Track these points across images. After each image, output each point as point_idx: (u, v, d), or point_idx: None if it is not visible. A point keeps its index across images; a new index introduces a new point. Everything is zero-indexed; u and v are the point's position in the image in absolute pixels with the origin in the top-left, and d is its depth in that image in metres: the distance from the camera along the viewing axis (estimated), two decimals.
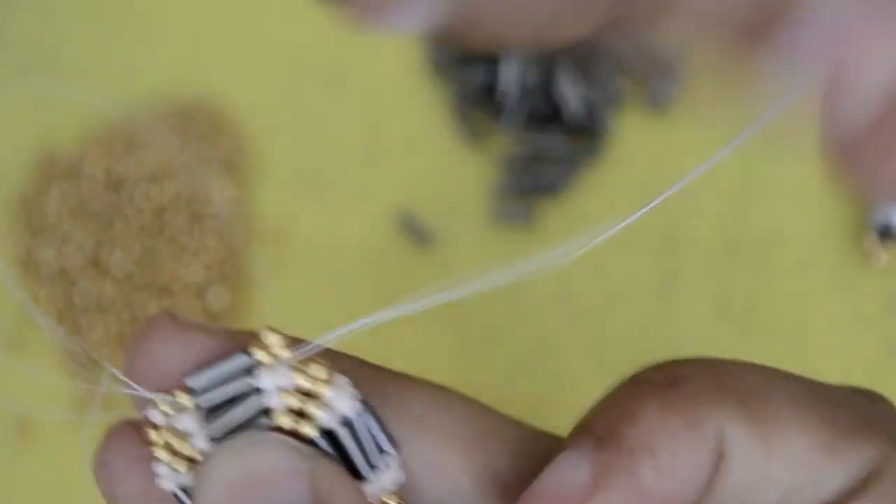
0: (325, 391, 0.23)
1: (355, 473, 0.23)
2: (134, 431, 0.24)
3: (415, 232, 0.51)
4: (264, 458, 0.22)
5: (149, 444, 0.24)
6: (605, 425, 0.24)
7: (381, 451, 0.23)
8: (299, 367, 0.23)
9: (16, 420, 0.51)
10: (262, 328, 0.24)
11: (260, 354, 0.23)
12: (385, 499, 0.24)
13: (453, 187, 0.52)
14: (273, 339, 0.23)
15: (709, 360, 0.24)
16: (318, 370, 0.23)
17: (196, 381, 0.23)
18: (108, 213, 0.52)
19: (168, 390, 0.23)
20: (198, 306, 0.51)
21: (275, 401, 0.23)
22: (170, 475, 0.23)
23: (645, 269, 0.50)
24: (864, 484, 0.23)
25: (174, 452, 0.23)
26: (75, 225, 0.52)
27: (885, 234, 0.48)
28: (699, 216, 0.50)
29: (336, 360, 0.24)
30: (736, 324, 0.49)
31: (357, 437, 0.23)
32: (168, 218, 0.51)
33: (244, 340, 0.24)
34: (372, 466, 0.23)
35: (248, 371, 0.23)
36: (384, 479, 0.23)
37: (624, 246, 0.50)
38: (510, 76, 0.51)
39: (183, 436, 0.23)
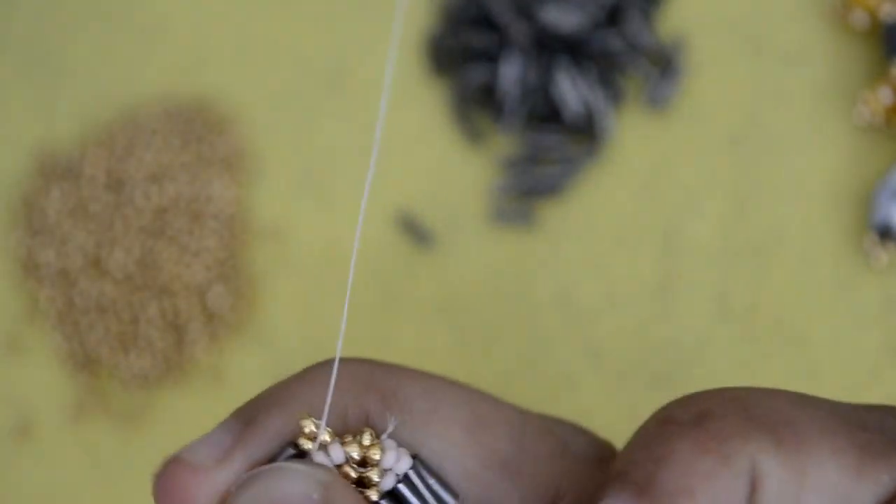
0: (377, 456, 0.24)
1: None
2: None
3: (415, 232, 0.51)
4: (281, 483, 0.23)
5: None
6: (640, 471, 0.24)
7: (440, 499, 0.24)
8: (346, 440, 0.24)
9: (16, 420, 0.51)
10: (298, 418, 0.25)
11: (304, 442, 0.24)
12: None
13: (453, 187, 0.52)
14: (311, 425, 0.24)
15: (733, 390, 0.25)
16: (366, 438, 0.24)
17: None
18: (109, 214, 0.52)
19: None
20: (198, 306, 0.51)
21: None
22: None
23: (645, 269, 0.50)
24: (892, 500, 0.23)
25: None
26: (75, 225, 0.52)
27: (885, 234, 0.48)
28: (699, 216, 0.50)
29: (345, 365, 0.24)
30: (736, 324, 0.49)
31: (415, 488, 0.24)
32: (168, 218, 0.51)
33: (274, 439, 0.25)
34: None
35: (300, 456, 0.25)
36: None
37: (624, 246, 0.50)
38: (510, 76, 0.51)
39: None
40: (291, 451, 0.24)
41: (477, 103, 0.52)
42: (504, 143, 0.52)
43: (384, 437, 0.24)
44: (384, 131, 0.53)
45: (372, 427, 0.25)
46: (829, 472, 0.24)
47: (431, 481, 0.24)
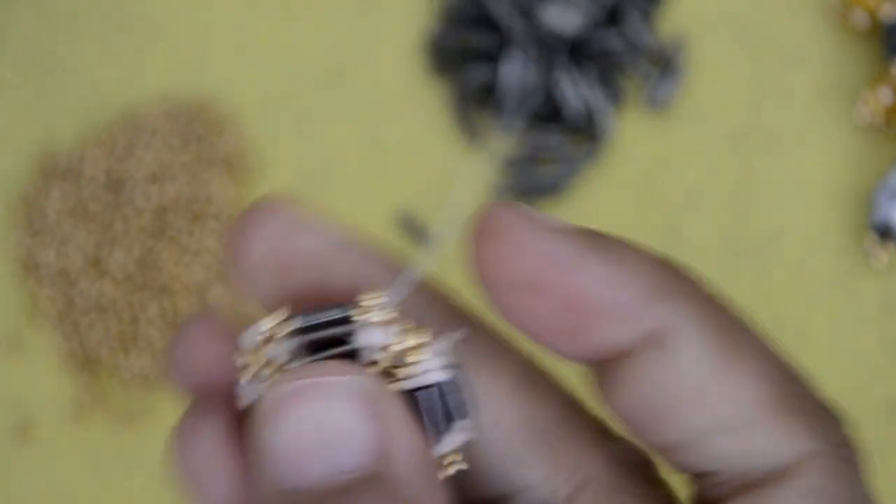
0: (421, 353, 0.23)
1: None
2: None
3: (415, 232, 0.51)
4: (333, 409, 0.21)
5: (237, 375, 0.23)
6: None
7: (456, 414, 0.23)
8: (407, 328, 0.23)
9: (16, 420, 0.51)
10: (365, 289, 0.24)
11: (363, 311, 0.23)
12: (450, 457, 0.24)
13: (453, 187, 0.52)
14: (377, 299, 0.23)
15: (714, 289, 0.25)
16: (422, 332, 0.23)
17: (298, 322, 0.23)
18: (108, 214, 0.52)
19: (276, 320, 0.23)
20: (198, 306, 0.51)
21: (371, 352, 0.23)
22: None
23: None
24: (793, 468, 0.23)
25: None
26: (75, 225, 0.52)
27: (885, 234, 0.48)
28: (699, 216, 0.50)
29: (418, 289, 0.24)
30: None
31: (443, 395, 0.23)
32: (168, 218, 0.51)
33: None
34: (448, 425, 0.23)
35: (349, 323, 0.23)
36: (456, 439, 0.23)
37: None
38: (510, 76, 0.51)
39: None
40: (338, 313, 0.23)
41: (477, 103, 0.52)
42: (504, 143, 0.52)
43: (441, 338, 0.23)
44: (385, 132, 0.53)
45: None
46: (748, 392, 0.23)
47: (458, 394, 0.23)
